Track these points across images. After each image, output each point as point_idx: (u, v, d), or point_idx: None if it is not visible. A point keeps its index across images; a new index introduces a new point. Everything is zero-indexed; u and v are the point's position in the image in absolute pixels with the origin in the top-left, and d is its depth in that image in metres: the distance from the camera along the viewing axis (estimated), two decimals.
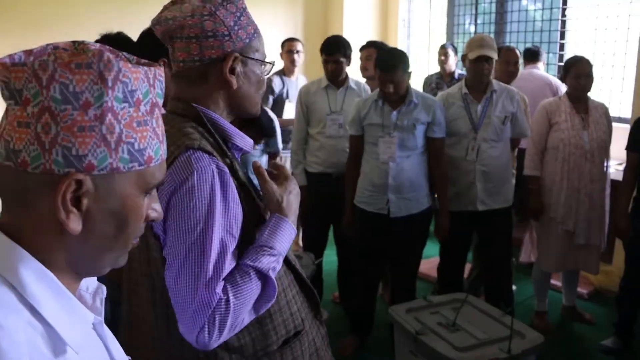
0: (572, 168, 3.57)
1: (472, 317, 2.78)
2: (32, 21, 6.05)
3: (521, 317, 3.33)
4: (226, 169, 1.29)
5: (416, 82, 7.27)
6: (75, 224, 0.72)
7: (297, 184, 1.46)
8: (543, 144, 3.69)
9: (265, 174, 1.40)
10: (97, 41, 2.56)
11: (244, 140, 1.43)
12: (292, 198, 1.41)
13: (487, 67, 3.43)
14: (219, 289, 1.24)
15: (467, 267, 4.31)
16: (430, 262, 4.66)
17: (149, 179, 0.77)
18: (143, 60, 0.79)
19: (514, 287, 4.23)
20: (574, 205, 3.59)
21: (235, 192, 1.31)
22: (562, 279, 4.02)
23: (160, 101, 0.79)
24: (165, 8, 1.36)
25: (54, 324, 0.70)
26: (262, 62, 1.40)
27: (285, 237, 1.36)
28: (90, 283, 0.85)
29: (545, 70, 5.15)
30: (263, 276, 1.30)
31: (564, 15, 5.59)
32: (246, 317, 1.31)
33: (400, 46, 7.57)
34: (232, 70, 1.34)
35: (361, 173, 3.43)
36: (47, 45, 0.74)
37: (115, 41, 2.56)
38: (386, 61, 3.23)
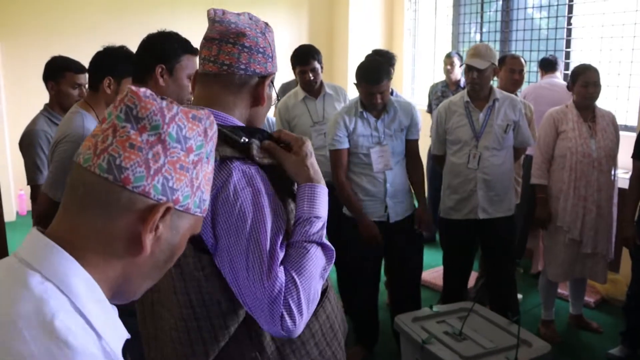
0: (579, 176, 3.57)
1: (479, 326, 2.78)
2: (41, 30, 6.12)
3: (528, 326, 3.32)
4: (257, 167, 1.34)
5: (422, 91, 7.32)
6: (149, 245, 0.78)
7: (309, 140, 1.47)
8: (550, 153, 3.68)
9: (279, 149, 1.42)
10: (99, 53, 2.56)
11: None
12: (313, 161, 1.43)
13: (475, 77, 3.43)
14: (280, 274, 1.27)
15: (474, 275, 4.31)
16: (435, 271, 4.66)
17: (198, 226, 0.86)
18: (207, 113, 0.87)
19: (520, 296, 4.23)
20: (581, 213, 3.58)
21: (268, 182, 1.34)
22: (569, 288, 4.00)
23: (209, 160, 0.87)
24: (227, 14, 1.39)
25: (103, 335, 0.73)
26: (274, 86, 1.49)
27: (323, 201, 1.40)
28: None
29: (563, 79, 5.13)
30: (318, 245, 1.35)
31: (569, 23, 5.60)
32: (318, 285, 1.34)
33: (406, 55, 7.61)
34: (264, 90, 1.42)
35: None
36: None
37: (117, 54, 2.56)
38: (371, 74, 3.18)
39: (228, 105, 1.40)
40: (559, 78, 4.97)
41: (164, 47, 2.09)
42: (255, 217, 1.28)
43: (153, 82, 2.09)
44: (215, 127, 0.85)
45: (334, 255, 1.39)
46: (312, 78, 3.78)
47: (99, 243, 0.76)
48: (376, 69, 3.21)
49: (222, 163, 1.29)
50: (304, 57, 3.77)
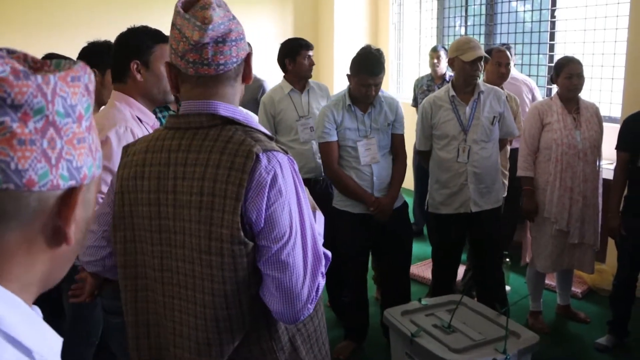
0: (565, 168, 3.59)
1: (468, 318, 2.79)
2: (29, 26, 6.04)
3: (516, 317, 3.34)
4: (291, 157, 1.44)
5: (407, 85, 7.33)
6: (73, 234, 0.72)
7: (322, 216, 1.65)
8: (535, 145, 3.70)
9: None
10: (84, 49, 2.62)
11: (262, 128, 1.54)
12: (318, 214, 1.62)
13: (480, 68, 3.47)
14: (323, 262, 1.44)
15: (462, 268, 4.33)
16: (424, 264, 4.68)
17: (100, 182, 0.77)
18: (58, 63, 0.74)
19: (508, 288, 4.25)
20: (568, 204, 3.61)
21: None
22: (557, 279, 4.04)
23: (64, 120, 0.74)
24: (211, 14, 1.37)
25: (33, 348, 0.67)
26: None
27: (320, 224, 1.60)
28: None
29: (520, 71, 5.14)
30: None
31: (553, 16, 5.63)
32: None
33: (392, 49, 7.62)
34: None
35: None
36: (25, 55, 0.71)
37: (101, 49, 2.60)
38: (371, 65, 3.21)
39: (232, 96, 1.46)
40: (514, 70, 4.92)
41: (135, 42, 2.08)
42: (299, 208, 1.39)
43: (131, 80, 2.09)
44: (93, 77, 0.74)
45: (329, 260, 1.51)
46: (313, 64, 3.86)
47: (19, 254, 0.69)
48: (376, 61, 3.24)
49: (266, 153, 1.36)
50: (308, 43, 3.87)
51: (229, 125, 1.41)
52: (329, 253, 1.50)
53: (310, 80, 3.93)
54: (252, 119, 1.51)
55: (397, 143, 3.46)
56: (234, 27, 1.40)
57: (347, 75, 3.33)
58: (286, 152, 1.43)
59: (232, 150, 1.36)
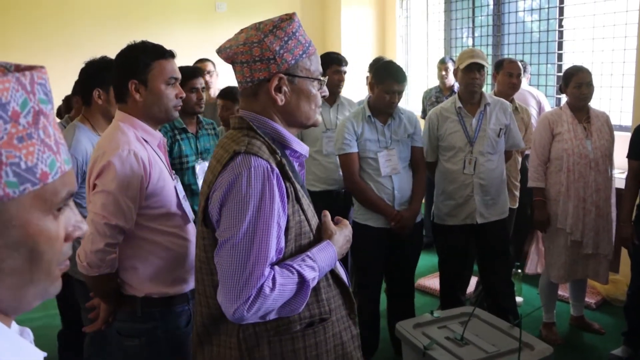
0: (577, 178, 3.57)
1: (480, 330, 2.76)
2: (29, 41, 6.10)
3: (529, 329, 3.31)
4: (274, 166, 1.47)
5: (415, 96, 7.33)
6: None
7: (351, 233, 1.70)
8: (546, 155, 3.68)
9: (329, 216, 1.66)
10: (83, 69, 2.63)
11: (300, 146, 1.64)
12: (342, 238, 1.64)
13: (478, 77, 3.45)
14: (267, 270, 1.43)
15: (474, 280, 4.30)
16: (435, 276, 4.65)
17: (49, 196, 0.68)
18: (23, 65, 0.69)
19: (521, 299, 4.22)
20: (581, 214, 3.58)
21: (283, 187, 1.49)
22: (570, 290, 4.00)
23: (46, 107, 0.69)
24: (230, 39, 1.58)
25: None
26: (310, 78, 1.57)
27: (329, 258, 1.56)
28: (13, 326, 0.76)
29: (528, 84, 5.16)
30: (302, 282, 1.47)
31: (560, 25, 5.62)
32: (273, 313, 1.48)
33: (399, 61, 7.62)
34: (279, 89, 1.54)
35: None
36: None
37: (100, 65, 2.61)
38: (397, 73, 3.28)
39: (261, 111, 1.57)
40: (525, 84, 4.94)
41: (131, 61, 2.02)
42: (258, 212, 1.42)
43: (131, 99, 2.03)
44: (33, 75, 0.67)
45: (300, 309, 1.52)
46: (342, 80, 3.92)
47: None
48: (400, 69, 3.33)
49: (238, 158, 1.45)
50: (340, 57, 3.93)
51: (247, 130, 1.54)
52: (310, 280, 1.49)
53: (342, 95, 3.96)
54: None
55: (416, 156, 3.45)
56: (243, 49, 1.51)
57: (370, 83, 3.38)
58: (274, 163, 1.48)
59: (227, 147, 1.52)
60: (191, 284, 2.11)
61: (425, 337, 2.69)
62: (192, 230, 2.13)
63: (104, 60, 2.62)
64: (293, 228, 1.52)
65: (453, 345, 2.61)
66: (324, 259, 1.55)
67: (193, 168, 3.12)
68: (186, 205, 2.12)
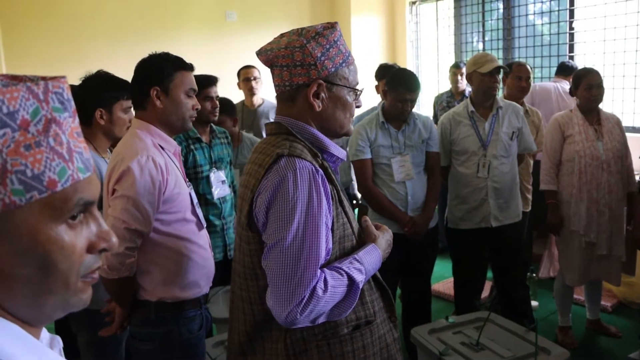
0: (589, 179, 3.56)
1: (496, 335, 2.76)
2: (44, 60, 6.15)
3: (545, 333, 3.29)
4: (318, 168, 1.49)
5: (426, 101, 7.33)
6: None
7: (392, 237, 1.71)
8: (558, 157, 3.68)
9: (369, 220, 1.68)
10: (78, 89, 2.45)
11: (338, 150, 1.64)
12: (384, 241, 1.66)
13: (499, 80, 3.48)
14: (318, 271, 1.43)
15: (489, 285, 4.29)
16: (450, 281, 4.63)
17: (59, 204, 0.67)
18: (48, 77, 0.69)
19: (536, 304, 4.20)
20: (595, 216, 3.57)
21: (329, 189, 1.50)
22: (585, 293, 3.97)
23: (61, 115, 0.69)
24: (271, 42, 1.60)
25: None
26: (348, 87, 1.59)
27: (374, 261, 1.58)
28: (43, 335, 0.76)
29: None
30: (351, 284, 1.48)
31: (571, 28, 5.61)
32: (323, 316, 1.48)
33: (410, 67, 7.63)
34: (317, 95, 1.55)
35: None
36: None
37: (98, 83, 2.54)
38: (410, 81, 3.28)
39: (298, 116, 1.58)
40: (565, 84, 4.97)
41: (155, 69, 2.10)
42: (306, 215, 1.43)
43: (151, 106, 2.10)
44: (48, 84, 0.68)
45: (350, 309, 1.52)
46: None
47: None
48: (413, 77, 3.33)
49: (289, 157, 1.46)
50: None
51: (285, 135, 1.56)
52: (359, 283, 1.50)
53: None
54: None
55: (431, 161, 3.46)
56: (285, 53, 1.53)
57: (383, 91, 3.39)
58: (319, 165, 1.50)
59: (267, 151, 1.52)
60: (204, 289, 2.18)
61: (440, 343, 2.69)
62: (205, 236, 2.20)
63: (102, 76, 2.57)
64: (337, 230, 1.53)
65: (469, 351, 2.61)
66: (370, 262, 1.56)
67: (208, 177, 3.15)
68: (199, 212, 2.18)
